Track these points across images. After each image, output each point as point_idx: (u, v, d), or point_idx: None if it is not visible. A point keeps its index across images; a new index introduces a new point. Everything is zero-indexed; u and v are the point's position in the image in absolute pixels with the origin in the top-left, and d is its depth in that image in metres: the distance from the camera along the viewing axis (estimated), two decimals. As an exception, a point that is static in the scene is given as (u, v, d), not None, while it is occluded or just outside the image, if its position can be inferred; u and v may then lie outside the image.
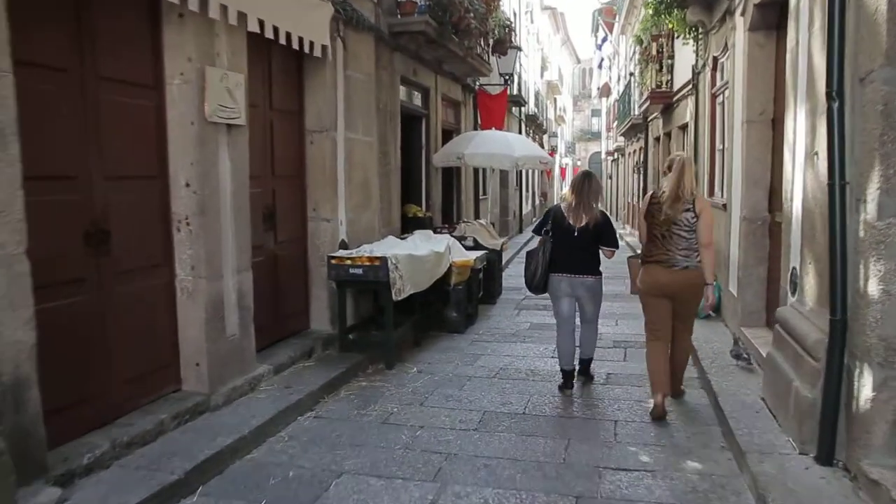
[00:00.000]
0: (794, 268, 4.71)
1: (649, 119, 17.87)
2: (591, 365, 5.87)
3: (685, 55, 11.49)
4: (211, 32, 4.77)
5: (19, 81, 3.33)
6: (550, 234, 5.46)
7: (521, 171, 22.30)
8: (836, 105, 3.52)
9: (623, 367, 6.32)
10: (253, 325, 5.42)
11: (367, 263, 6.15)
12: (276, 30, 5.42)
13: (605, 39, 31.41)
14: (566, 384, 5.59)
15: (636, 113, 19.13)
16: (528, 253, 5.61)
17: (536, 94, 27.69)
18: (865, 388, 3.43)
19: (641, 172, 20.02)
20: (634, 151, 22.84)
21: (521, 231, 22.31)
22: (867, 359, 3.42)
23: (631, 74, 20.26)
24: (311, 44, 6.02)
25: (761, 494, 3.50)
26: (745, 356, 5.72)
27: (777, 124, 6.18)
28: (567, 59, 48.79)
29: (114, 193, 4.28)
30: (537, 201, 31.39)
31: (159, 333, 4.72)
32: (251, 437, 4.50)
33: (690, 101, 11.04)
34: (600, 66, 40.02)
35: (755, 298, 6.50)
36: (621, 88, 24.83)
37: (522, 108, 21.69)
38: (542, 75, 31.02)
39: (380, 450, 4.44)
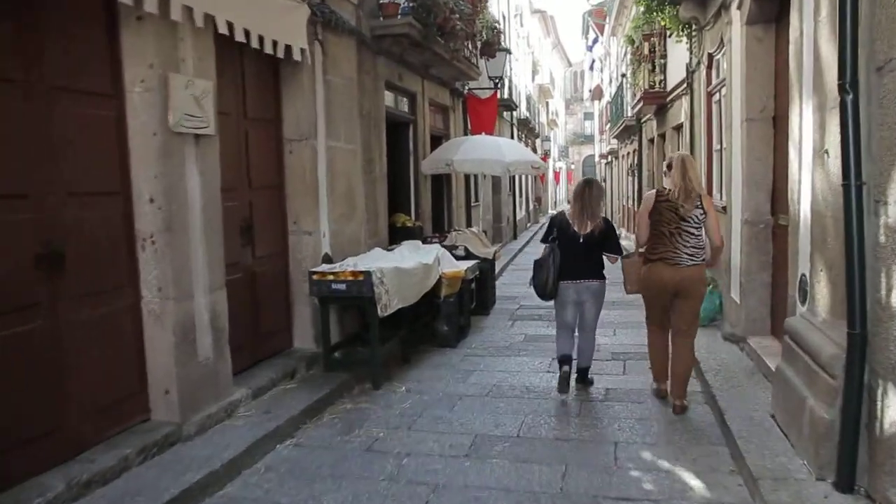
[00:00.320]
0: (803, 275, 4.40)
1: (643, 121, 17.61)
2: (589, 373, 5.84)
3: (678, 54, 11.21)
4: (174, 36, 4.45)
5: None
6: (556, 241, 5.53)
7: (514, 177, 22.01)
8: (850, 98, 3.21)
9: (623, 382, 5.99)
10: (229, 346, 5.09)
11: (351, 278, 5.83)
12: (247, 33, 5.11)
13: (595, 41, 31.24)
14: (562, 387, 5.50)
15: (629, 115, 18.85)
16: (535, 262, 5.62)
17: (528, 98, 27.42)
18: (890, 408, 3.12)
19: (636, 175, 19.73)
20: (628, 154, 22.56)
21: (515, 237, 21.96)
22: (891, 377, 3.11)
23: (623, 76, 19.98)
24: (288, 48, 5.71)
25: (778, 528, 3.19)
26: None
27: (778, 122, 5.89)
28: (558, 62, 48.62)
29: (69, 211, 3.95)
30: (531, 206, 31.05)
31: (125, 360, 4.38)
32: (224, 471, 4.17)
33: (685, 101, 10.76)
34: (591, 68, 39.87)
35: (759, 305, 6.20)
36: (613, 90, 24.57)
37: (514, 113, 21.39)
38: (533, 79, 30.76)
39: (362, 481, 4.11)
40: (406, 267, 6.45)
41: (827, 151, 3.81)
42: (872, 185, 3.21)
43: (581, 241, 5.44)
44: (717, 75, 8.19)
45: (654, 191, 5.25)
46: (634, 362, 6.57)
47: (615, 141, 26.43)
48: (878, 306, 3.19)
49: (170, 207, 4.46)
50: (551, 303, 5.70)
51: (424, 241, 8.73)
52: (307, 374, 6.05)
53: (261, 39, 5.27)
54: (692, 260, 4.92)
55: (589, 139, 52.21)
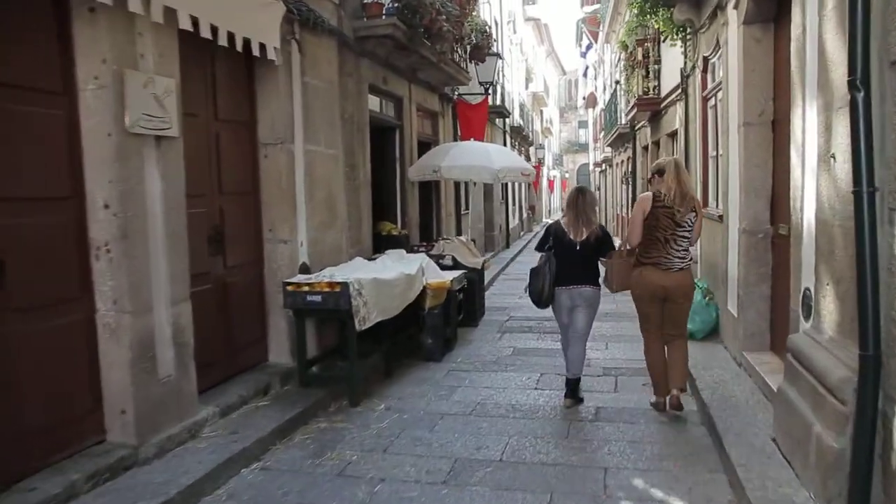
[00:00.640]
0: (806, 288, 4.10)
1: (637, 128, 17.37)
2: (580, 387, 5.72)
3: (672, 59, 10.94)
4: (131, 30, 4.13)
5: None
6: (553, 250, 5.55)
7: (507, 185, 21.71)
8: (860, 96, 2.91)
9: (614, 400, 5.67)
10: (194, 362, 4.76)
11: (327, 290, 5.51)
12: (215, 29, 4.81)
13: (589, 47, 31.06)
14: (571, 394, 5.58)
15: (623, 122, 18.60)
16: (532, 270, 5.62)
17: (521, 106, 27.15)
18: (907, 438, 2.81)
19: (630, 183, 19.48)
20: (622, 162, 22.32)
21: (507, 246, 21.61)
22: (908, 403, 2.81)
23: (617, 82, 19.73)
24: (262, 46, 5.42)
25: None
26: None
27: (778, 126, 5.59)
28: (553, 70, 48.49)
29: (12, 218, 3.65)
30: (525, 215, 30.72)
31: (77, 377, 4.06)
32: (180, 499, 3.83)
33: (679, 107, 10.48)
34: (585, 75, 39.72)
35: (758, 319, 5.89)
36: (607, 98, 24.34)
37: (507, 120, 21.09)
38: (527, 86, 30.50)
39: (331, 512, 3.79)
40: (386, 278, 6.12)
41: (833, 155, 3.52)
42: (886, 192, 2.91)
43: (577, 248, 5.45)
44: (713, 79, 7.91)
45: (649, 193, 5.14)
46: (627, 378, 6.26)
47: (609, 149, 26.22)
48: (894, 325, 2.89)
49: (126, 214, 4.14)
50: (542, 314, 5.71)
51: (410, 250, 8.41)
52: (281, 391, 5.72)
53: (230, 37, 4.97)
54: (682, 263, 5.00)
55: (583, 147, 52.11)
